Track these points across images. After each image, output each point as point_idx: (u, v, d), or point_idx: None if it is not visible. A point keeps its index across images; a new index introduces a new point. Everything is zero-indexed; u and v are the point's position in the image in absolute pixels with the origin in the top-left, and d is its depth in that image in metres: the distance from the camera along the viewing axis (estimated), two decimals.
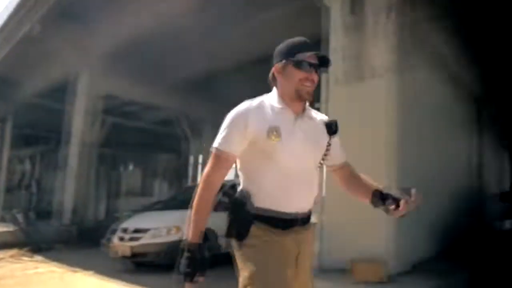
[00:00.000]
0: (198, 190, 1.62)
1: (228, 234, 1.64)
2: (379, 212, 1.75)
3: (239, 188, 1.68)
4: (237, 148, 1.63)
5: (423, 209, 2.14)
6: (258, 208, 1.62)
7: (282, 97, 1.70)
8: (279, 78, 1.72)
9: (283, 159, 1.62)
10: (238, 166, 1.73)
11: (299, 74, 1.66)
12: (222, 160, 1.63)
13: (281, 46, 1.74)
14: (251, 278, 1.54)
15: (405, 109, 5.52)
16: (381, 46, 5.51)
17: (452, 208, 7.07)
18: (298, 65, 1.65)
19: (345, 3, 5.78)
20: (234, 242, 1.64)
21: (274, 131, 1.61)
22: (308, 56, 1.65)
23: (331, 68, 5.50)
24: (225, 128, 1.64)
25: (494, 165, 9.75)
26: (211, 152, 1.65)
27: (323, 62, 1.70)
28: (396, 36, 5.50)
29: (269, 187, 1.63)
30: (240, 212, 1.62)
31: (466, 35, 7.46)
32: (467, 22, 7.07)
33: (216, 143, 1.64)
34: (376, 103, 5.33)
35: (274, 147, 1.61)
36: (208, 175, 1.63)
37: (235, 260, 1.64)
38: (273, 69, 1.73)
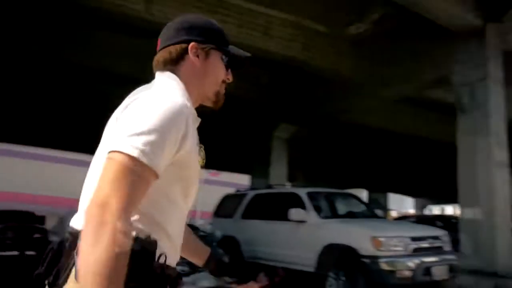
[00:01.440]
0: (97, 233, 0.80)
1: None
2: None
3: (133, 232, 0.88)
4: (163, 165, 0.94)
5: None
6: (164, 266, 0.98)
7: (189, 94, 1.11)
8: (195, 65, 1.14)
9: (193, 193, 1.10)
10: None
11: (224, 73, 1.18)
12: (143, 181, 0.90)
13: (200, 21, 1.18)
14: None
15: None
16: None
17: None
18: (231, 61, 1.19)
19: None
20: None
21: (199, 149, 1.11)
22: (239, 54, 1.21)
23: None
24: (153, 128, 0.91)
25: None
26: (116, 159, 0.89)
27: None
28: None
29: (175, 233, 1.04)
30: (147, 274, 0.92)
31: None
32: None
33: (134, 149, 0.89)
34: None
35: (196, 172, 1.07)
36: (121, 204, 0.84)
37: None
38: (188, 46, 1.13)
